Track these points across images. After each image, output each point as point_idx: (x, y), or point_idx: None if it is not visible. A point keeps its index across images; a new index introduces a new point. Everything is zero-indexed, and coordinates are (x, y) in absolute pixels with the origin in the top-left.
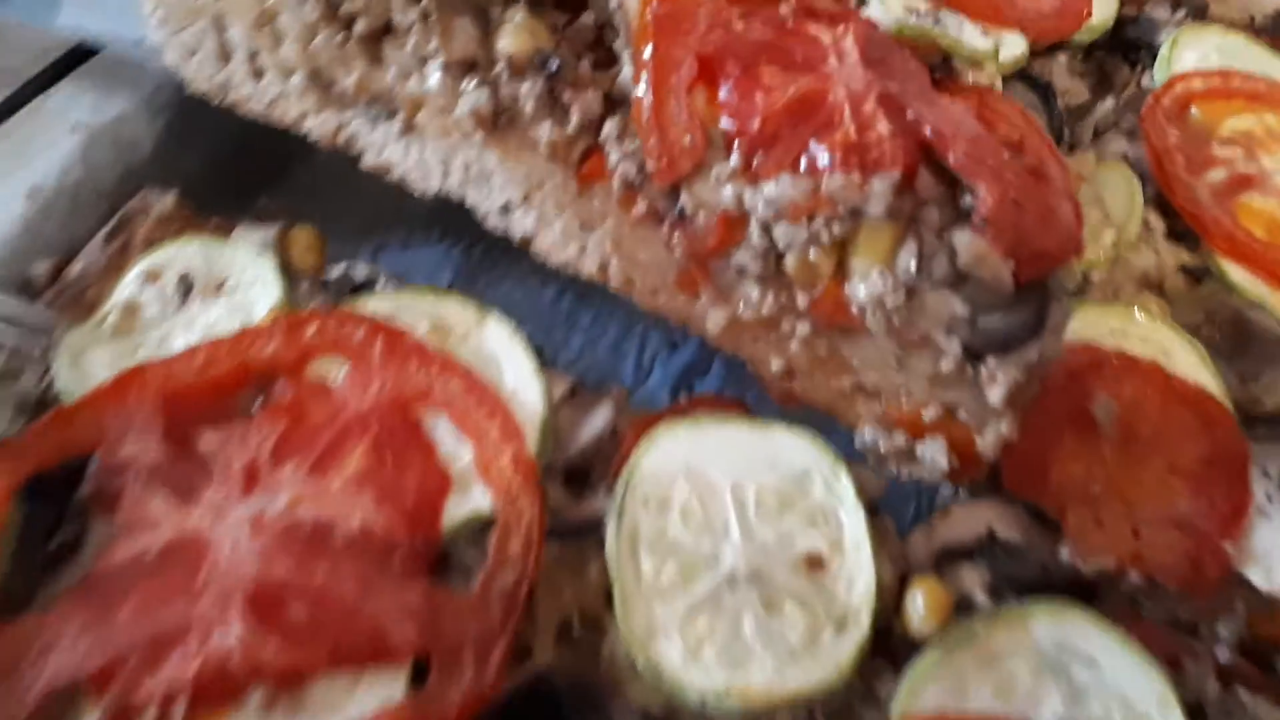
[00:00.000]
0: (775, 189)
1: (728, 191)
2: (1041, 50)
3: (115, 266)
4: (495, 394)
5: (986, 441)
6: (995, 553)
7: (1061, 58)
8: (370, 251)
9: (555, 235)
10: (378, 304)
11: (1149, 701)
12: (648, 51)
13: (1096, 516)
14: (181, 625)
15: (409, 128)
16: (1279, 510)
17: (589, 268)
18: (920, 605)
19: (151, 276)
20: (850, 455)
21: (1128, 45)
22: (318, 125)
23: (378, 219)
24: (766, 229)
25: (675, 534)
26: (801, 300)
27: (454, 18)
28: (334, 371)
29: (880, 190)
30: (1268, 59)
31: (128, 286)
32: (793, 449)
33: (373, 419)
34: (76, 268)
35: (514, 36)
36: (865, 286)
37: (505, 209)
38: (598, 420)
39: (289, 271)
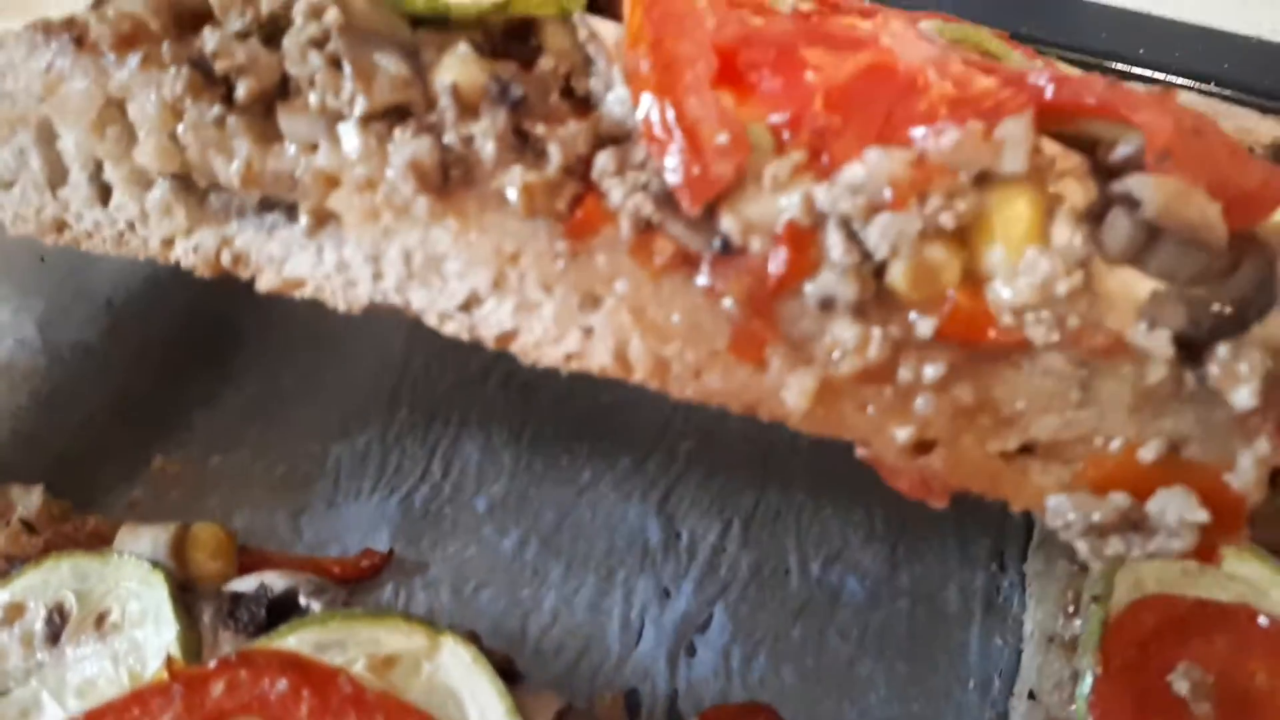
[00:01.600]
0: (862, 170)
1: (792, 197)
2: None
3: None
4: None
5: (1244, 474)
6: None
7: None
8: (290, 516)
9: (546, 323)
10: (301, 636)
11: None
12: (648, 58)
13: None
14: None
15: (320, 220)
16: None
17: (601, 359)
18: None
19: (12, 613)
20: None
21: None
22: (191, 250)
23: (295, 470)
24: (853, 234)
25: None
26: (924, 327)
27: (373, 55)
28: None
29: (1015, 134)
30: None
31: None
32: None
33: None
34: None
35: (460, 67)
36: (1019, 279)
37: (469, 304)
38: None
39: (189, 586)
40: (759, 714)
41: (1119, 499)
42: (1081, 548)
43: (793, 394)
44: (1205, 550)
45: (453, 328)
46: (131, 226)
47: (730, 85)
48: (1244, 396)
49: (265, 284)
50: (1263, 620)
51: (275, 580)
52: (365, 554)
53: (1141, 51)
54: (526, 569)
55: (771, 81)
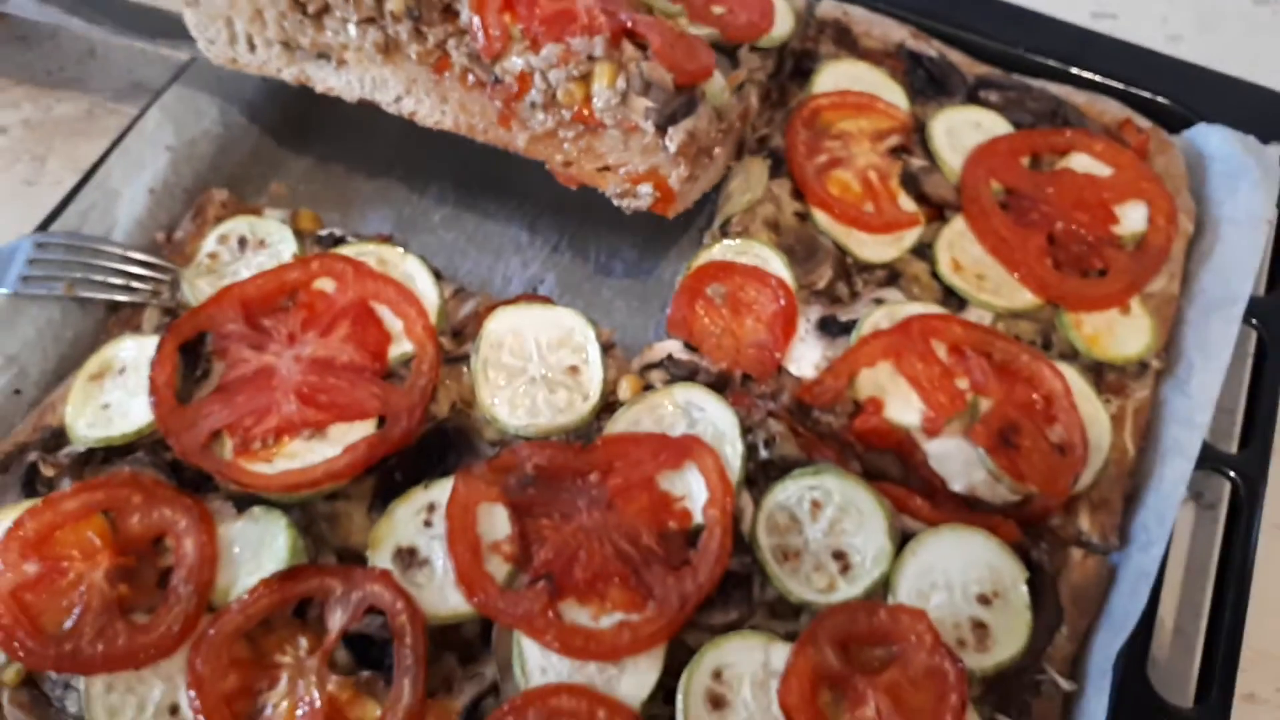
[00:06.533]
0: (547, 51)
1: (524, 59)
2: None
3: (199, 233)
4: (413, 295)
5: (673, 180)
6: (672, 364)
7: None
8: (341, 216)
9: (426, 109)
10: (349, 250)
11: (728, 423)
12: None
13: (720, 344)
14: (267, 404)
15: (340, 64)
16: (810, 336)
17: (449, 124)
18: (625, 388)
19: (223, 239)
20: None
21: (802, 73)
22: (288, 74)
23: (344, 195)
24: (545, 77)
25: (505, 359)
26: (567, 115)
27: None
28: (328, 286)
29: (599, 40)
30: (880, 80)
31: (210, 244)
32: (568, 318)
33: (350, 309)
34: (178, 234)
35: (396, 3)
36: (601, 99)
37: (397, 100)
38: (468, 307)
39: (299, 233)
40: (542, 300)
41: (626, 183)
42: (615, 203)
43: (520, 141)
44: (661, 206)
45: (391, 110)
46: (264, 64)
47: (509, 10)
48: (672, 146)
49: (318, 89)
50: (751, 267)
51: (338, 231)
52: (379, 235)
53: None
54: (460, 249)
55: (525, 9)
